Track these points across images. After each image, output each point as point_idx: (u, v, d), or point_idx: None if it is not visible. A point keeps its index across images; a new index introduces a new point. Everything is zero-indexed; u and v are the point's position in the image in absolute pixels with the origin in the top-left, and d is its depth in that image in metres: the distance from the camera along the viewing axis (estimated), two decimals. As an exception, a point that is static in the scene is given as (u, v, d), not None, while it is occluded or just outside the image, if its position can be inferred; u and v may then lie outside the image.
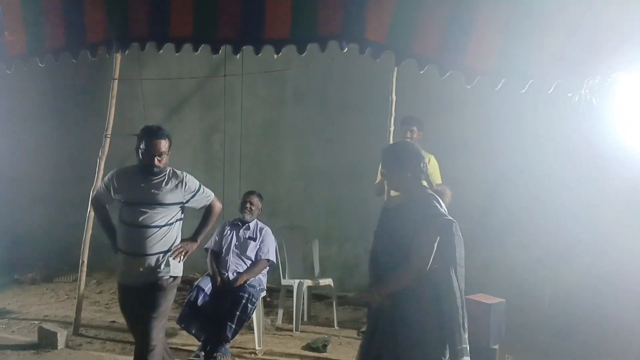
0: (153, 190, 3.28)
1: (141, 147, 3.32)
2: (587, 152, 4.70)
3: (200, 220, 3.64)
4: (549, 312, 5.12)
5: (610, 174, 4.65)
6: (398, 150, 2.89)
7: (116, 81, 4.69)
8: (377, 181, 4.57)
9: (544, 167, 5.11)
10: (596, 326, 4.67)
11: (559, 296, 5.09)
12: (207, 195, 3.57)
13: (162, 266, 3.27)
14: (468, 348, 2.67)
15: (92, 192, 4.65)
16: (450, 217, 2.68)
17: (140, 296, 3.25)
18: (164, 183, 3.33)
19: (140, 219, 3.22)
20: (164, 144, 3.38)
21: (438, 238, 2.62)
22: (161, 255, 3.27)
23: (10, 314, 5.15)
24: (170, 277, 3.29)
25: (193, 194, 3.47)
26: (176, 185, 3.38)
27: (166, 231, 3.30)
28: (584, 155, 4.74)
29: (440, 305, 2.63)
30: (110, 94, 4.70)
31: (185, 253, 3.42)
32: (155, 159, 3.30)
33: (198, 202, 3.53)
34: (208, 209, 3.61)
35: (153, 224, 3.24)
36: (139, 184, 3.29)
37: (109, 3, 3.69)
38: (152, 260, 3.25)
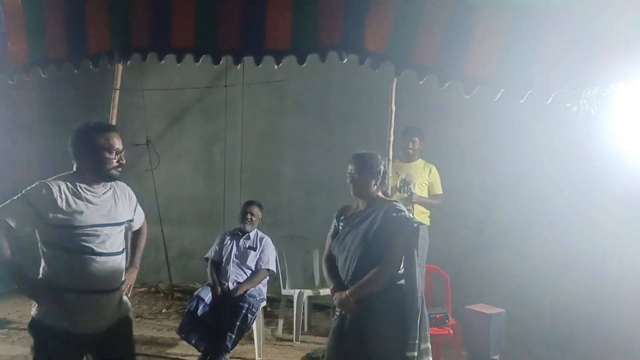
0: (110, 205, 2.59)
1: (91, 147, 2.53)
2: (585, 162, 4.71)
3: (133, 242, 3.11)
4: (548, 322, 5.11)
5: (609, 183, 4.66)
6: (369, 160, 3.00)
7: (117, 91, 4.71)
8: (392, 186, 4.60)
9: (543, 177, 5.12)
10: (596, 336, 4.66)
11: (559, 306, 5.09)
12: (141, 210, 2.95)
13: (124, 299, 2.75)
14: (429, 347, 2.82)
15: None
16: (417, 222, 2.87)
17: (104, 345, 2.59)
18: (116, 195, 2.66)
19: (104, 244, 2.51)
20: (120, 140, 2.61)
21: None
22: (121, 286, 2.70)
23: (10, 324, 5.14)
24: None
25: (135, 206, 2.85)
26: (125, 197, 2.74)
27: (123, 256, 2.69)
28: (582, 164, 4.75)
29: (403, 304, 2.78)
30: (112, 104, 4.71)
31: (131, 286, 2.95)
32: (117, 159, 2.57)
33: (139, 219, 2.92)
34: (142, 227, 3.06)
35: (117, 250, 2.59)
36: (92, 198, 2.53)
37: (111, 14, 3.72)
38: (117, 295, 2.64)
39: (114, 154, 2.55)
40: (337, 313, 2.96)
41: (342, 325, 2.90)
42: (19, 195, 2.51)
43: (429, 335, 2.83)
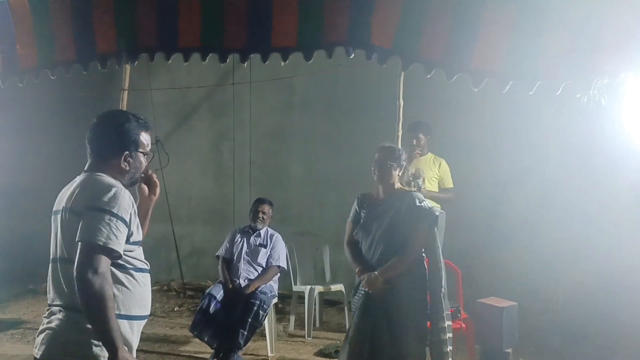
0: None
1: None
2: (595, 153, 4.67)
3: None
4: (561, 314, 5.08)
5: (619, 174, 4.62)
6: (396, 151, 3.33)
7: (126, 92, 4.73)
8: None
9: (553, 169, 5.09)
10: (610, 328, 4.63)
11: (572, 298, 5.06)
12: None
13: None
14: (449, 314, 3.23)
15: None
16: (439, 211, 3.33)
17: None
18: None
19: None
20: None
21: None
22: None
23: (25, 324, 5.20)
24: None
25: None
26: None
27: None
28: (592, 156, 4.71)
29: (426, 283, 3.19)
30: (120, 105, 4.74)
31: None
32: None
33: None
34: None
35: None
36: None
37: (118, 15, 3.74)
38: None
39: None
40: (362, 292, 3.24)
41: (369, 302, 3.19)
42: (107, 213, 1.86)
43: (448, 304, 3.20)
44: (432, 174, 4.84)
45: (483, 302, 3.90)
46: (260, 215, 4.62)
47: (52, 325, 1.88)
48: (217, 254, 4.66)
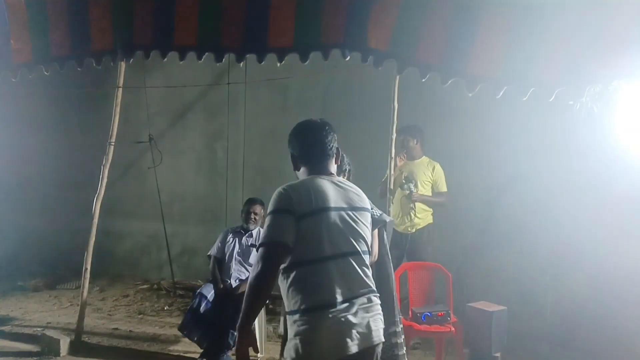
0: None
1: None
2: (588, 160, 4.70)
3: None
4: (551, 319, 5.11)
5: (612, 181, 4.65)
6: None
7: (120, 89, 4.72)
8: (384, 178, 4.59)
9: (546, 175, 5.11)
10: (598, 334, 4.66)
11: (561, 304, 5.08)
12: None
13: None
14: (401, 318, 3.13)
15: (97, 200, 4.67)
16: (389, 218, 3.11)
17: None
18: None
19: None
20: None
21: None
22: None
23: (13, 321, 5.16)
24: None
25: None
26: None
27: None
28: (585, 163, 4.74)
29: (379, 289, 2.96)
30: (115, 102, 4.73)
31: None
32: None
33: None
34: None
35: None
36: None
37: (115, 12, 3.74)
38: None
39: None
40: None
41: None
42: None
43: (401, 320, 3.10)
44: (426, 177, 4.85)
45: (473, 306, 3.91)
46: (252, 215, 4.61)
47: (376, 311, 2.12)
48: (208, 253, 4.65)
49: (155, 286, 6.39)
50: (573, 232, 4.94)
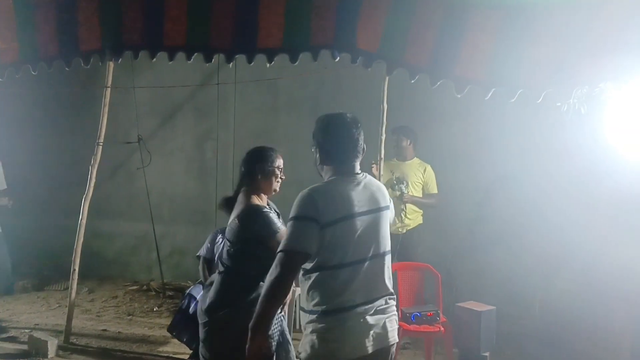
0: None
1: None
2: (576, 161, 4.74)
3: None
4: (539, 319, 5.14)
5: (600, 182, 4.69)
6: None
7: (109, 89, 4.69)
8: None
9: (534, 176, 5.15)
10: (586, 334, 4.69)
11: (550, 304, 5.12)
12: None
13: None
14: None
15: (85, 201, 4.64)
16: None
17: None
18: None
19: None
20: None
21: None
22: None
23: (0, 322, 5.11)
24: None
25: None
26: None
27: None
28: (573, 163, 4.78)
29: None
30: (103, 102, 4.70)
31: None
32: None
33: None
34: None
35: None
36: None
37: (103, 12, 3.72)
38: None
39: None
40: None
41: None
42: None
43: None
44: (417, 178, 4.87)
45: (461, 306, 3.93)
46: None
47: (392, 312, 2.17)
48: (197, 254, 4.62)
49: (144, 287, 6.36)
50: (562, 232, 4.97)
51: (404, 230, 4.85)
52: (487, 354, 3.82)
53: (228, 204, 2.91)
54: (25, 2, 3.93)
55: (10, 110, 6.39)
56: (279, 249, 2.02)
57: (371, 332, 2.05)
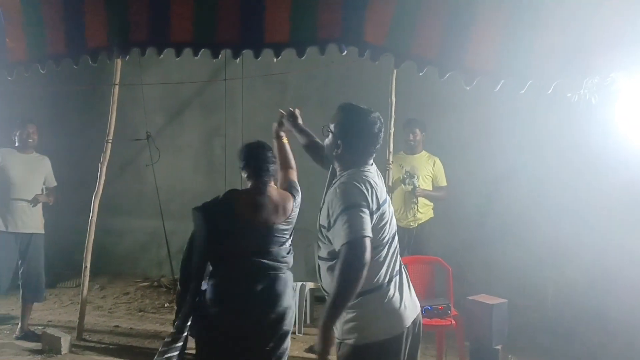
0: None
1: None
2: (586, 151, 4.70)
3: None
4: (551, 311, 5.12)
5: (611, 172, 4.65)
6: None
7: (117, 86, 4.71)
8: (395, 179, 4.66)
9: (544, 167, 5.11)
10: (599, 325, 4.67)
11: (562, 296, 5.09)
12: None
13: None
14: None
15: (95, 198, 4.66)
16: None
17: None
18: None
19: None
20: None
21: None
22: None
23: (14, 320, 5.16)
24: None
25: None
26: None
27: None
28: (583, 154, 4.74)
29: None
30: (111, 99, 4.72)
31: None
32: None
33: None
34: None
35: None
36: None
37: (109, 9, 3.71)
38: None
39: None
40: None
41: None
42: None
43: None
44: (427, 172, 4.86)
45: (473, 299, 3.91)
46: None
47: (409, 281, 2.33)
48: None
49: (155, 283, 6.40)
50: (572, 223, 4.94)
51: (416, 224, 4.83)
52: (499, 347, 3.81)
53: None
54: (33, 1, 3.93)
55: (18, 109, 6.42)
56: (345, 240, 2.00)
57: (406, 302, 2.18)
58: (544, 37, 3.14)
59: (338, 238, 2.03)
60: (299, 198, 3.06)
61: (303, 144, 2.87)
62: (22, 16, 3.97)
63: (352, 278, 1.98)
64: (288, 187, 3.08)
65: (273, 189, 2.95)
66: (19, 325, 4.73)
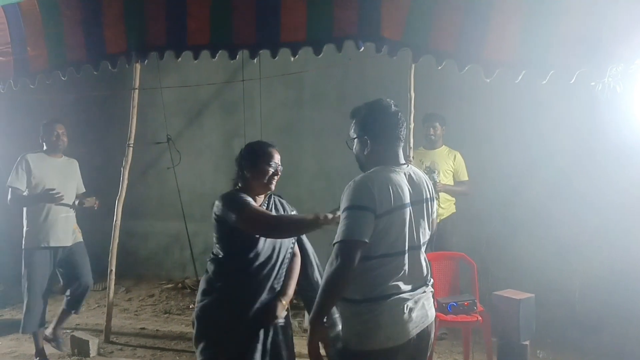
0: None
1: None
2: (610, 142, 4.59)
3: None
4: (579, 306, 5.03)
5: (635, 164, 4.55)
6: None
7: (137, 91, 4.75)
8: None
9: (568, 159, 5.02)
10: (628, 319, 4.58)
11: (590, 289, 5.00)
12: None
13: None
14: None
15: (118, 202, 4.71)
16: None
17: None
18: None
19: None
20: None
21: None
22: None
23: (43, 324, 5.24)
24: None
25: None
26: None
27: None
28: (607, 145, 4.64)
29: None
30: (132, 104, 4.76)
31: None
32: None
33: None
34: None
35: None
36: None
37: (128, 14, 3.75)
38: None
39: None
40: None
41: None
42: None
43: None
44: (447, 166, 4.80)
45: (499, 294, 3.86)
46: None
47: (430, 296, 2.21)
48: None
49: (179, 285, 6.45)
50: (597, 216, 4.85)
51: (438, 220, 4.78)
52: (527, 342, 3.75)
53: None
54: (53, 10, 3.99)
55: (40, 116, 6.52)
56: (337, 239, 2.00)
57: (413, 314, 2.08)
58: (565, 25, 3.08)
59: (336, 236, 2.02)
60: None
61: None
62: (42, 25, 4.04)
63: (335, 279, 1.96)
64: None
65: None
66: (52, 325, 4.48)
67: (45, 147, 4.35)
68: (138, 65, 4.57)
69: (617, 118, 4.20)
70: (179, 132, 6.53)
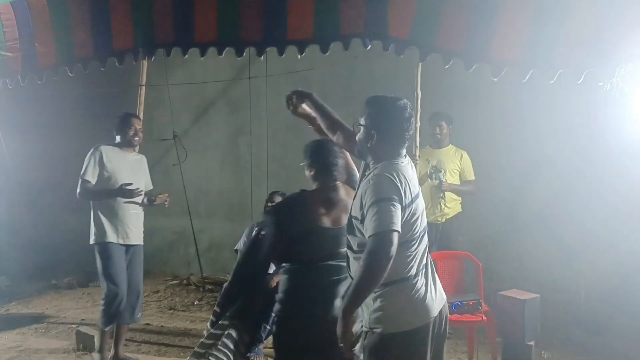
0: None
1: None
2: (618, 141, 4.56)
3: None
4: (584, 306, 5.01)
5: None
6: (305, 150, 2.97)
7: (144, 87, 4.76)
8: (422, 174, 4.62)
9: (574, 158, 4.99)
10: (634, 320, 4.55)
11: (595, 289, 4.98)
12: None
13: None
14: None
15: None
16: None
17: None
18: None
19: None
20: None
21: None
22: None
23: (48, 319, 5.28)
24: None
25: None
26: None
27: None
28: (614, 144, 4.61)
29: None
30: (138, 101, 4.77)
31: None
32: None
33: None
34: None
35: None
36: None
37: (135, 11, 3.76)
38: None
39: None
40: None
41: None
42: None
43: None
44: (454, 166, 4.79)
45: (504, 294, 3.85)
46: (271, 207, 4.60)
47: (436, 274, 2.33)
48: (235, 248, 4.67)
49: (184, 282, 6.47)
50: (603, 216, 4.82)
51: (444, 220, 4.77)
52: (532, 343, 3.74)
53: None
54: (61, 6, 4.01)
55: (46, 112, 6.55)
56: (373, 232, 2.01)
57: (433, 293, 2.18)
58: (574, 24, 3.07)
59: (367, 229, 2.04)
60: None
61: (326, 126, 2.78)
62: (50, 21, 4.06)
63: (375, 270, 1.99)
64: (349, 180, 2.77)
65: (341, 187, 2.70)
66: (112, 353, 4.12)
67: (119, 140, 4.15)
68: (145, 62, 4.57)
69: (626, 116, 4.17)
70: (185, 129, 6.54)
